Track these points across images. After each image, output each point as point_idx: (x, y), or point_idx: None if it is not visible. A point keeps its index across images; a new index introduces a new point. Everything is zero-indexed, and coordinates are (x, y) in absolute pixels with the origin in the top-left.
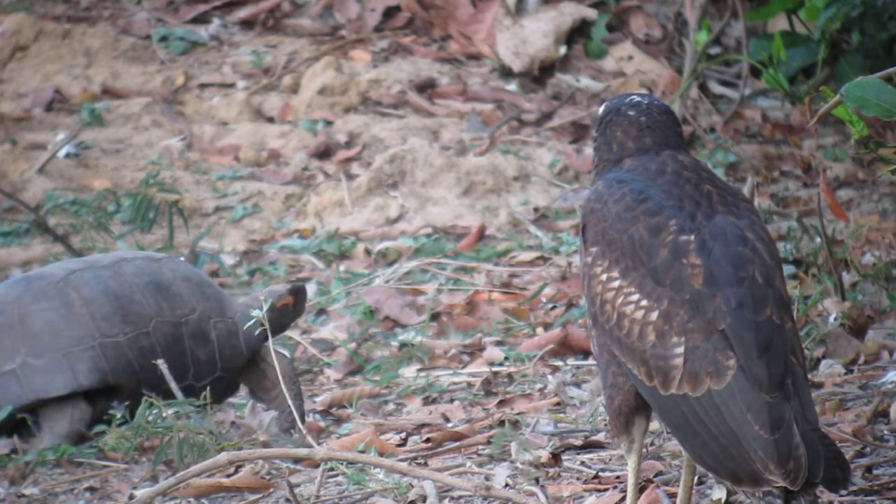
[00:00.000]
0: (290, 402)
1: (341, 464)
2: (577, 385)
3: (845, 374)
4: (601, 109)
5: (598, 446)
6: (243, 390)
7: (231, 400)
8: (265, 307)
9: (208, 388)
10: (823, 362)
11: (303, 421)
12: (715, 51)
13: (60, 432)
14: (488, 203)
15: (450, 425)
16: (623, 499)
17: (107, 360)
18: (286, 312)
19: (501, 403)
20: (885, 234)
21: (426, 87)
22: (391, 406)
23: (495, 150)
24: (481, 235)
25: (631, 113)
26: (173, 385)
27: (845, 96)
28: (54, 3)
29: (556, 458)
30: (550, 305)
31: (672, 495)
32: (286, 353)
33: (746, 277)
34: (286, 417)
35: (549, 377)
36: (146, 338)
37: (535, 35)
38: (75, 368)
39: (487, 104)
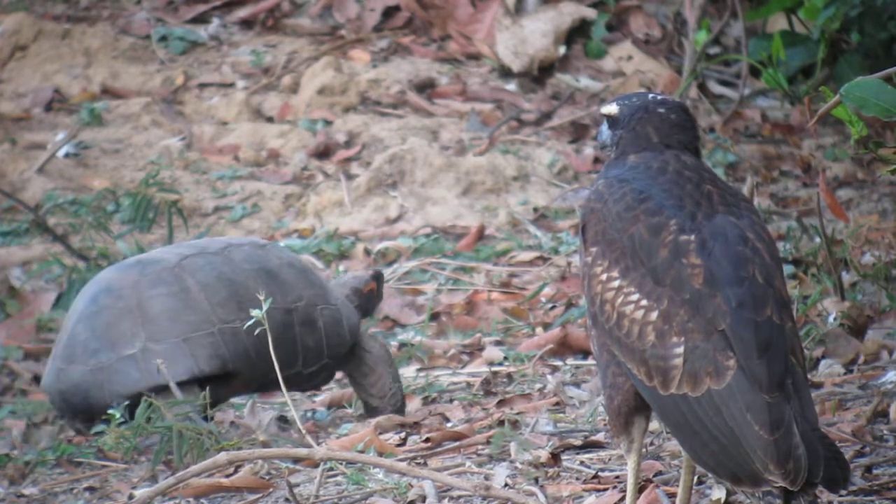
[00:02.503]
0: (372, 400)
1: (341, 464)
2: (577, 385)
3: (845, 373)
4: (613, 108)
5: (597, 446)
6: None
7: (230, 400)
8: (264, 308)
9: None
10: (823, 362)
11: (403, 407)
12: (714, 50)
13: (184, 412)
14: (488, 203)
15: (449, 425)
16: (622, 499)
17: (226, 346)
18: (372, 297)
19: (501, 403)
20: (885, 233)
21: (425, 87)
22: None
23: (495, 150)
24: (481, 235)
25: (661, 110)
26: (173, 385)
27: (845, 96)
28: (54, 2)
29: (555, 457)
30: (550, 305)
31: (671, 495)
32: (378, 338)
33: (746, 277)
34: (388, 401)
35: (549, 377)
36: (261, 324)
37: (535, 35)
38: (196, 354)
39: (487, 104)
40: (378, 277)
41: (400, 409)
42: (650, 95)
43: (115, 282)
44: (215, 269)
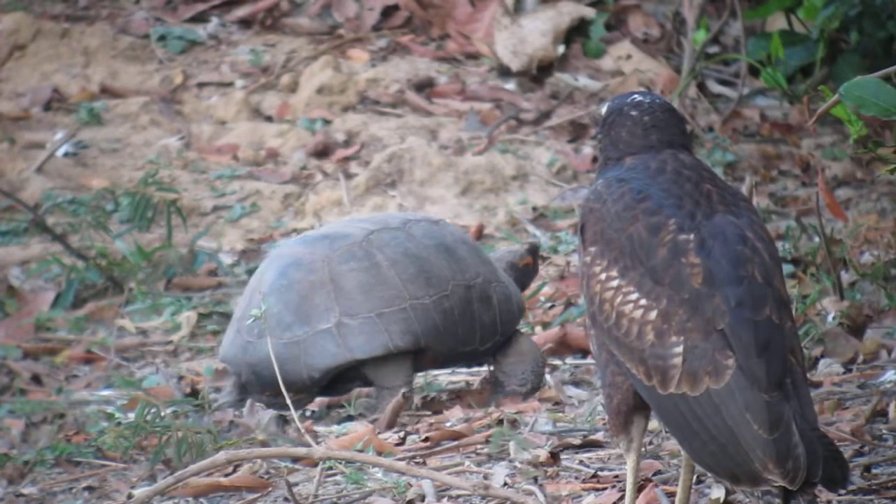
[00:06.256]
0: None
1: (340, 463)
2: (576, 384)
3: (844, 373)
4: (604, 109)
5: (596, 445)
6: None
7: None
8: (263, 308)
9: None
10: (822, 361)
11: (538, 386)
12: (713, 50)
13: (396, 385)
14: (487, 202)
15: (448, 424)
16: (621, 498)
17: (417, 322)
18: (528, 272)
19: (500, 402)
20: (884, 233)
21: (424, 87)
22: None
23: (493, 150)
24: (480, 234)
25: (634, 113)
26: (172, 384)
27: (844, 95)
28: (52, 2)
29: (554, 457)
30: (549, 304)
31: (671, 494)
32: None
33: (746, 277)
34: (518, 382)
35: (548, 376)
36: (447, 300)
37: (534, 34)
38: (390, 329)
39: (486, 103)
40: (534, 251)
41: (532, 392)
42: (630, 97)
43: (305, 256)
44: (401, 245)
